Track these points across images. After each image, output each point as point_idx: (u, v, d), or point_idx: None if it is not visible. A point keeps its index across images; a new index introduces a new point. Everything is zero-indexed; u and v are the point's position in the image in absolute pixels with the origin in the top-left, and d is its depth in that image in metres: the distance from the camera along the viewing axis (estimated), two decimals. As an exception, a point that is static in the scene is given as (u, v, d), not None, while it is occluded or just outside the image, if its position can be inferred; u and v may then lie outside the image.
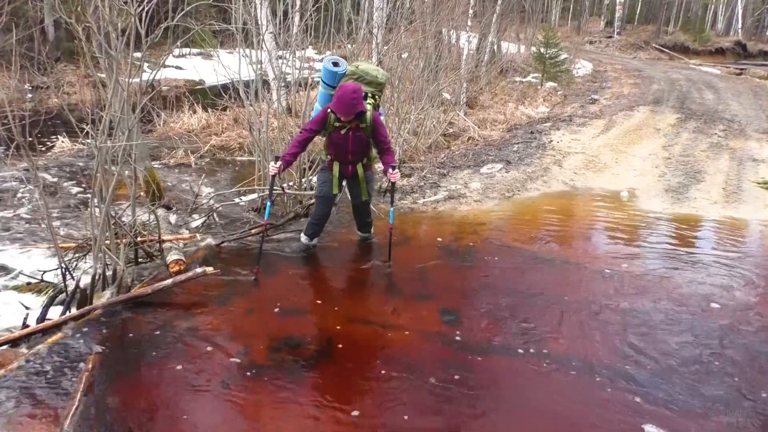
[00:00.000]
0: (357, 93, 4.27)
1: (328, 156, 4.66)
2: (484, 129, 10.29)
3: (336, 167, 4.63)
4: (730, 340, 3.76)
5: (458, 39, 12.66)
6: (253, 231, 5.25)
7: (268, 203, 4.66)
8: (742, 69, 22.98)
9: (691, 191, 6.98)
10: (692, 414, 3.05)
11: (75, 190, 6.75)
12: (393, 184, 4.74)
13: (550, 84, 15.82)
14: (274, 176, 4.55)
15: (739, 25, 32.98)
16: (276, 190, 5.50)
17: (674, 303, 4.22)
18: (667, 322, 3.95)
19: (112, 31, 4.13)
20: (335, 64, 4.64)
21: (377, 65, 7.63)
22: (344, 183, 4.88)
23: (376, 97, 4.67)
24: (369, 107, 4.48)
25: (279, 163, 4.42)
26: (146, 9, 4.18)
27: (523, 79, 16.64)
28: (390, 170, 4.53)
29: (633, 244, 5.37)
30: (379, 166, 5.05)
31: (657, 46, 29.16)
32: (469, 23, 12.58)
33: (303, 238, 4.96)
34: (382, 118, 4.78)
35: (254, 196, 6.25)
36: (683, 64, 24.98)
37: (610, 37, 32.48)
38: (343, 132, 4.46)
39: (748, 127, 10.86)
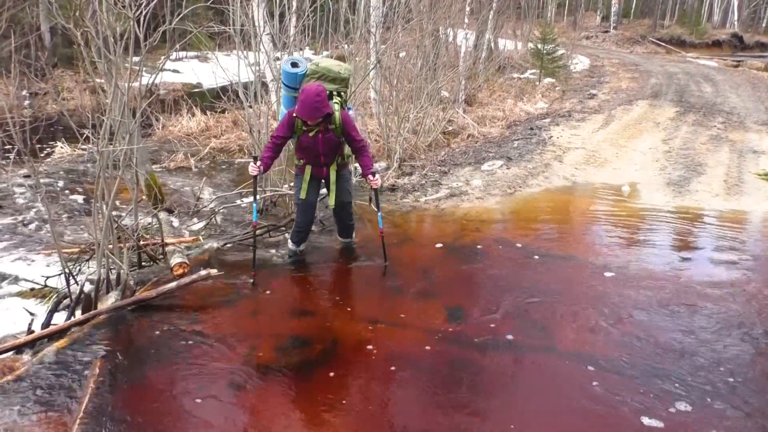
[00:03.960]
0: (320, 95, 4.09)
1: (300, 160, 4.55)
2: (483, 126, 10.28)
3: (308, 171, 4.52)
4: (737, 333, 3.76)
5: (455, 37, 12.65)
6: (256, 232, 5.24)
7: (254, 205, 4.62)
8: (739, 61, 22.98)
9: (693, 184, 6.98)
10: (694, 409, 3.04)
11: (76, 195, 6.74)
12: (376, 190, 4.67)
13: (547, 80, 15.80)
14: (255, 177, 4.48)
15: (735, 17, 32.99)
16: (267, 190, 5.49)
17: (679, 297, 4.22)
18: (672, 315, 3.95)
19: (111, 36, 4.12)
20: (294, 64, 4.47)
21: (376, 64, 7.63)
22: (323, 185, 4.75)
23: (342, 94, 4.49)
24: (336, 106, 4.34)
25: (258, 163, 4.35)
26: (144, 13, 4.17)
27: (521, 76, 16.62)
28: (370, 177, 4.46)
29: (636, 238, 5.36)
30: (356, 165, 4.95)
31: (654, 40, 29.15)
32: (466, 21, 12.56)
33: (290, 244, 4.91)
34: (351, 113, 4.62)
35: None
36: (680, 58, 24.97)
37: (607, 31, 32.46)
38: (311, 134, 4.33)
39: (747, 119, 10.86)
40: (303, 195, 4.55)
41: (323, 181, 4.65)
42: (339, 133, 4.39)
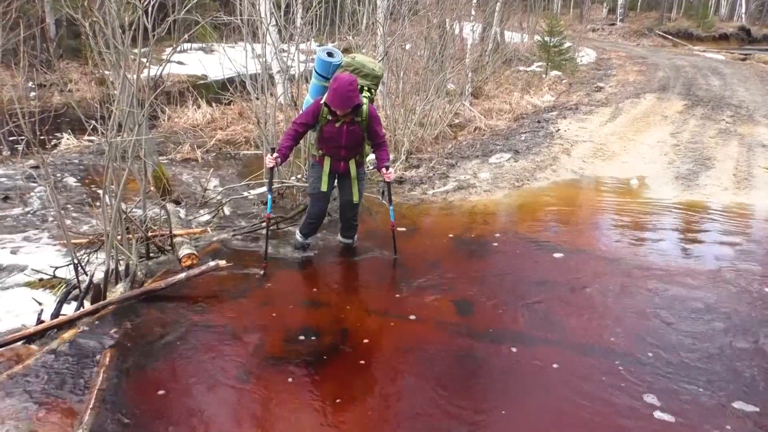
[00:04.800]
0: (353, 85, 4.08)
1: (320, 151, 4.48)
2: (490, 119, 10.24)
3: (327, 163, 4.46)
4: (744, 325, 3.74)
5: (462, 29, 12.58)
6: (263, 224, 5.24)
7: (269, 196, 4.58)
8: (746, 54, 22.79)
9: (702, 178, 6.93)
10: (703, 402, 3.03)
11: (82, 186, 6.74)
12: (388, 183, 4.60)
13: (554, 73, 15.72)
14: (272, 168, 4.44)
15: (743, 10, 32.67)
16: (275, 182, 5.42)
17: (688, 290, 4.19)
18: (681, 308, 3.93)
19: (119, 27, 4.10)
20: (330, 54, 4.44)
21: (383, 56, 7.59)
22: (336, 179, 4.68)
23: (372, 90, 4.48)
24: (365, 101, 4.31)
25: (275, 154, 4.30)
26: (153, 2, 4.14)
27: (528, 69, 16.54)
28: (384, 170, 4.41)
29: (645, 232, 5.34)
30: (371, 157, 4.84)
31: (660, 33, 28.96)
32: (473, 13, 12.49)
33: (298, 236, 4.80)
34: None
35: (263, 189, 6.23)
36: (687, 51, 24.80)
37: (613, 24, 32.28)
38: (337, 125, 4.28)
39: (756, 112, 10.78)
40: (324, 187, 4.48)
41: (337, 175, 4.58)
42: (364, 127, 4.34)
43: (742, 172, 7.13)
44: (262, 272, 4.40)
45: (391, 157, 7.47)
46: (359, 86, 4.28)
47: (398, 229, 5.16)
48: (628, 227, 5.43)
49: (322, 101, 4.25)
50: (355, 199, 4.58)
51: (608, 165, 7.51)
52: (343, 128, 4.29)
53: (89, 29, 4.15)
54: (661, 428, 2.82)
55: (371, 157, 4.78)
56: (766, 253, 4.85)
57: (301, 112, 4.73)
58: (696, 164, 7.46)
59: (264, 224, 5.21)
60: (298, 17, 7.62)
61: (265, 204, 5.89)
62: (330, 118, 4.27)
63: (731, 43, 28.21)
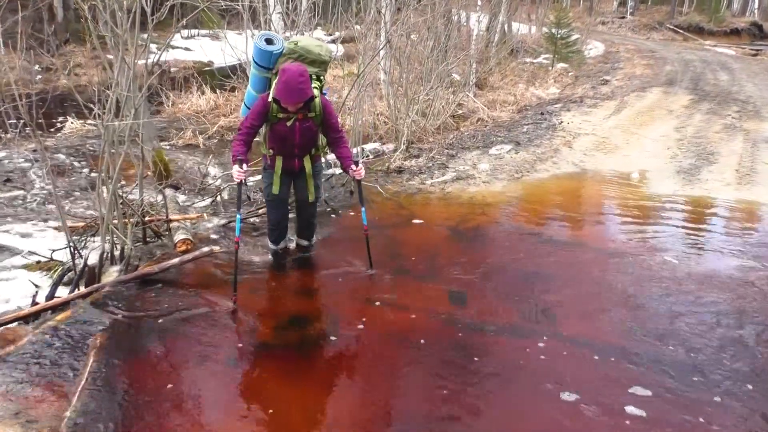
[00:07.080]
0: (304, 75, 3.66)
1: (270, 150, 4.07)
2: (493, 110, 10.19)
3: (279, 163, 4.06)
4: (742, 323, 3.73)
5: (468, 19, 12.50)
6: (260, 211, 5.25)
7: (238, 217, 3.95)
8: (757, 50, 22.54)
9: (704, 173, 6.89)
10: (691, 396, 3.03)
11: (84, 170, 6.76)
12: (359, 182, 4.23)
13: (561, 65, 15.61)
14: (240, 183, 3.92)
15: (756, 6, 32.29)
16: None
17: (684, 285, 4.18)
18: (676, 303, 3.92)
19: (118, 10, 4.10)
20: (269, 41, 3.99)
21: (385, 44, 7.55)
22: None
23: (321, 78, 4.07)
24: (316, 92, 3.88)
25: (245, 166, 3.86)
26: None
27: (534, 60, 16.44)
28: (353, 167, 4.04)
29: (643, 226, 5.31)
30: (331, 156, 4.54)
31: (671, 27, 28.66)
32: (479, 2, 12.40)
33: (269, 244, 4.52)
34: (327, 97, 4.16)
35: (260, 177, 6.24)
36: (698, 45, 24.56)
37: (623, 17, 31.98)
38: (288, 124, 3.88)
39: (763, 108, 10.68)
40: (276, 190, 4.12)
41: (292, 172, 4.19)
42: (319, 122, 3.98)
43: (745, 168, 7.08)
44: (232, 304, 3.77)
45: (392, 146, 7.50)
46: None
47: (389, 223, 5.17)
48: (626, 221, 5.40)
49: (269, 98, 3.85)
50: (311, 197, 4.25)
51: (610, 158, 7.48)
52: (296, 126, 3.90)
53: (88, 12, 4.14)
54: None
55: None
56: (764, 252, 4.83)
57: (243, 105, 4.36)
58: (699, 159, 7.42)
59: (261, 211, 5.22)
60: (302, 3, 7.58)
61: (270, 191, 5.86)
62: (281, 116, 3.87)
63: (742, 38, 27.88)
